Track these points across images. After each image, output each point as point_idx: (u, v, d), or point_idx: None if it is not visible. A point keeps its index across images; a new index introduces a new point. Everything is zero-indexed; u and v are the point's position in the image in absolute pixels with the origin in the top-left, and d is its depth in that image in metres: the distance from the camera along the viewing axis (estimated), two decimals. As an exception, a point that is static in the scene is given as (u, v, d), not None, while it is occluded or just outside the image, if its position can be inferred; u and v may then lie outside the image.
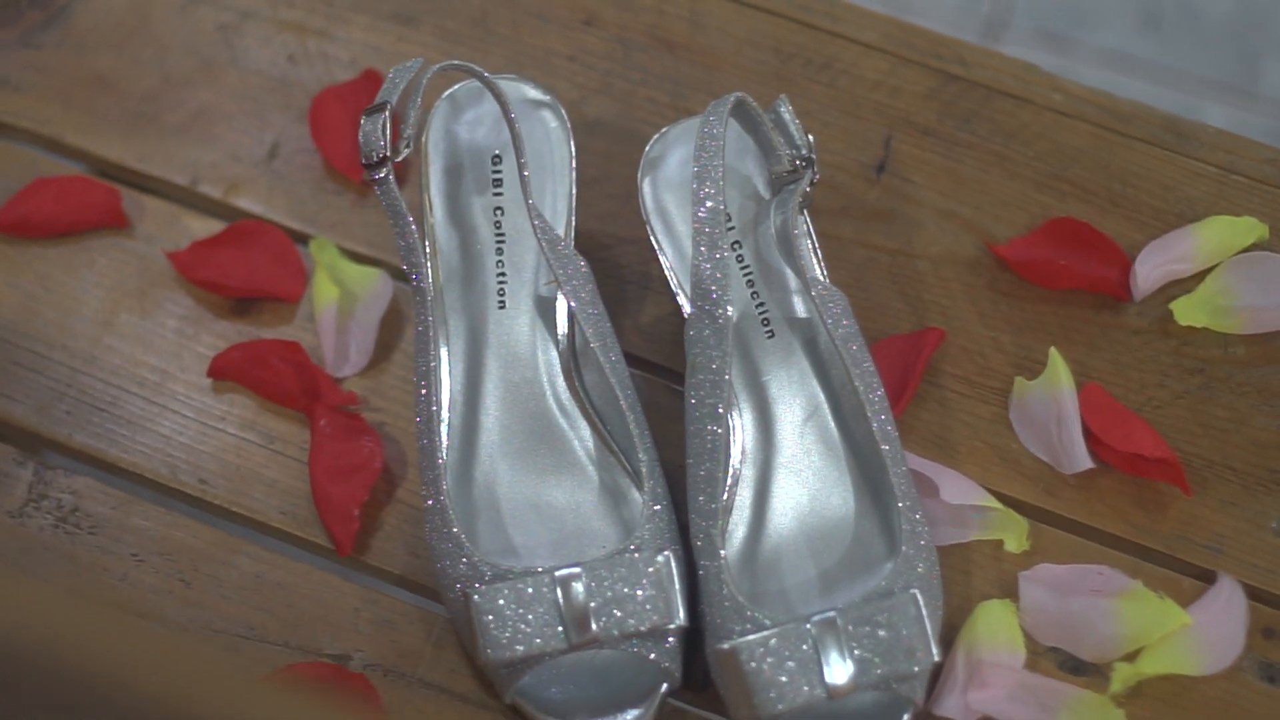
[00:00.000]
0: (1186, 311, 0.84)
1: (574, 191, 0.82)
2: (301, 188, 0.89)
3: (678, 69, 0.91)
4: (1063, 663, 0.77)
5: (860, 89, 0.90)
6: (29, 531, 0.80)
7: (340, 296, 0.84)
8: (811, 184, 0.80)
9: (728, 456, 0.77)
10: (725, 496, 0.77)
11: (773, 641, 0.72)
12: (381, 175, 0.77)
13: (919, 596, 0.73)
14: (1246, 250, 0.85)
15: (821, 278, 0.80)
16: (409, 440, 0.82)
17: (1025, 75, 0.90)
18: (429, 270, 0.78)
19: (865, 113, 0.90)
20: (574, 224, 0.82)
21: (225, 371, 0.84)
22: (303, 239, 0.87)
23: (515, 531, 0.78)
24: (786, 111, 0.80)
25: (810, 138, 0.80)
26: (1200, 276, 0.85)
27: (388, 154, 0.76)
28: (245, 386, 0.84)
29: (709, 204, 0.75)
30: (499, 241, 0.82)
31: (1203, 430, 0.82)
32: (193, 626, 0.78)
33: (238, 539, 0.80)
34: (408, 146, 0.77)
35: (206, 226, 0.88)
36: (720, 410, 0.75)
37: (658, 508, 0.76)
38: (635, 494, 0.78)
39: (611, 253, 0.86)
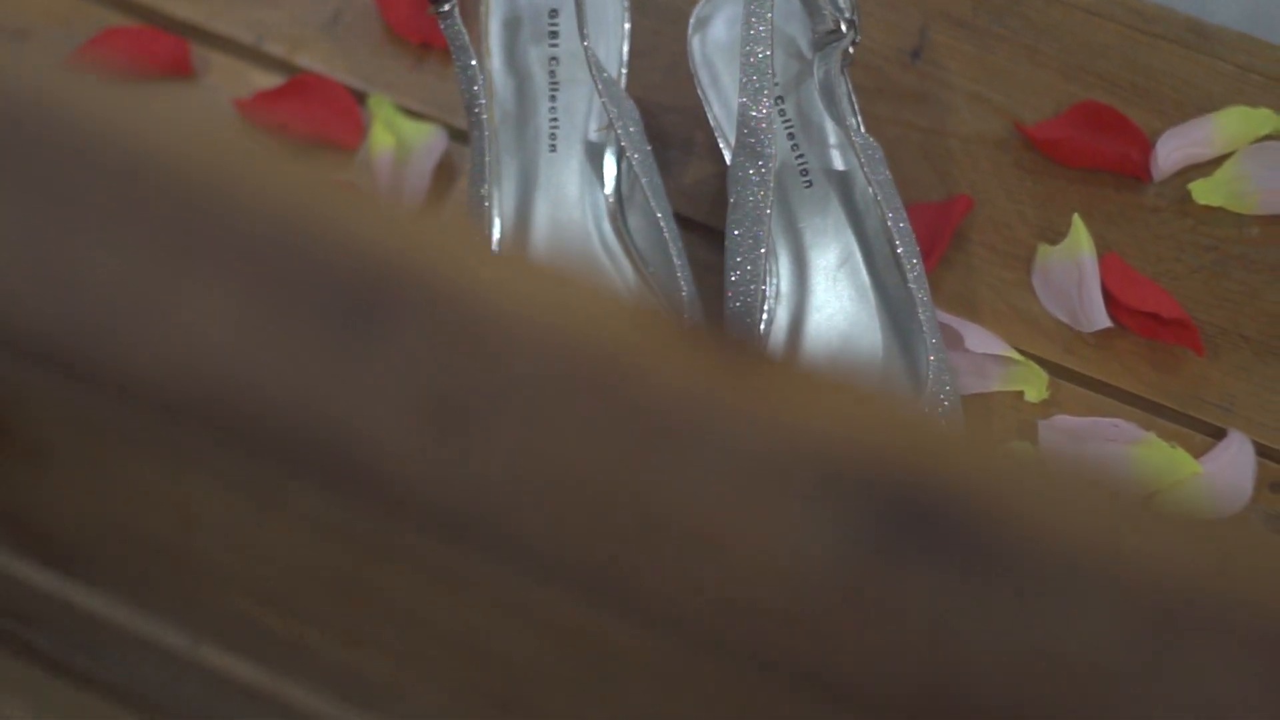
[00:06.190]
0: (1205, 192, 0.88)
1: (625, 48, 0.86)
2: (361, 51, 0.93)
3: (724, -44, 0.95)
4: (1077, 506, 0.81)
5: (898, -17, 0.94)
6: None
7: (396, 146, 0.88)
8: (854, 44, 0.84)
9: (765, 287, 0.81)
10: (761, 331, 0.80)
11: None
12: (446, 9, 0.80)
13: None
14: (1262, 140, 0.89)
15: (860, 130, 0.84)
16: (457, 282, 0.86)
17: (1056, -24, 0.95)
18: (487, 107, 0.82)
19: (902, 4, 0.94)
20: (625, 76, 0.86)
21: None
22: (361, 98, 0.91)
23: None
24: (832, -25, 0.84)
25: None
26: (1217, 162, 0.89)
27: (454, -12, 0.80)
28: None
29: (758, 53, 0.79)
30: (553, 89, 0.86)
31: (1216, 301, 0.86)
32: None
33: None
34: (474, -18, 0.81)
35: (270, 81, 0.92)
36: (760, 241, 0.79)
37: (697, 337, 0.79)
38: (673, 332, 0.81)
39: (657, 120, 0.90)
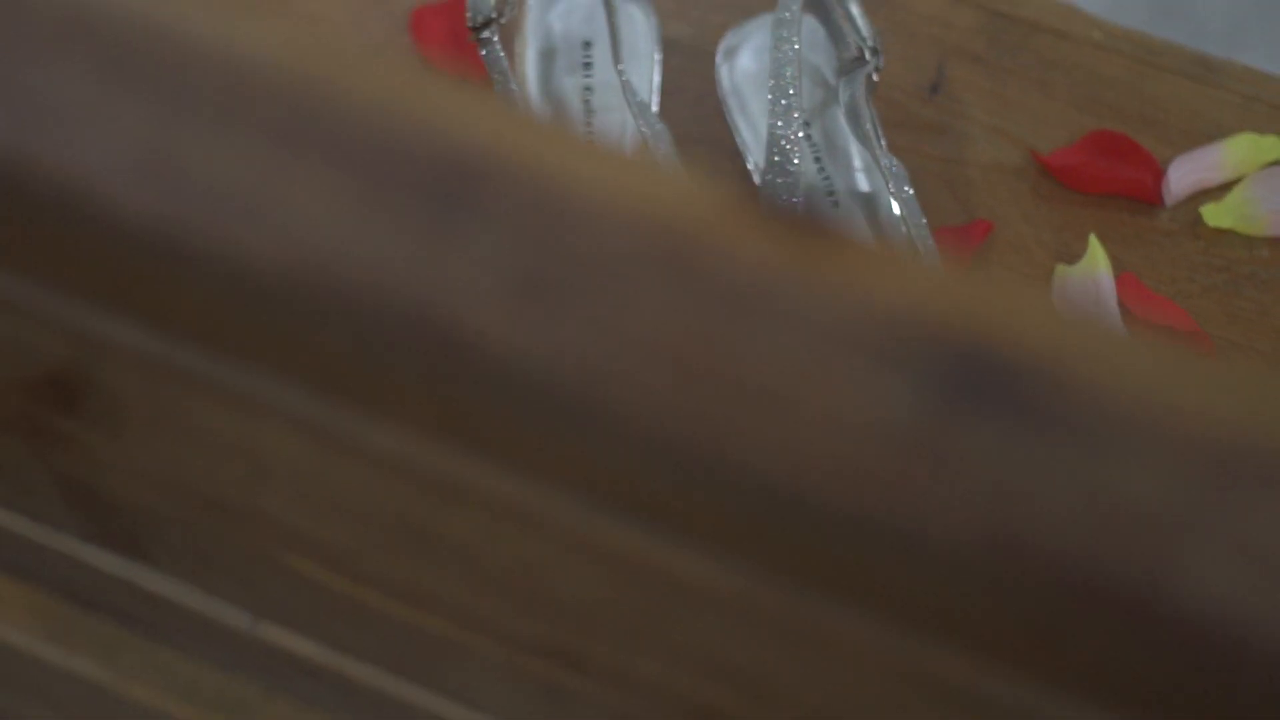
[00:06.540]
0: (1215, 215, 0.91)
1: (657, 77, 0.90)
2: (398, 88, 0.96)
3: (748, 1, 0.99)
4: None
5: (915, 22, 0.98)
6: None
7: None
8: (877, 70, 0.87)
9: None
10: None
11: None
12: (487, 35, 0.84)
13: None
14: (1270, 165, 0.93)
15: (884, 150, 0.87)
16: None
17: (1066, 15, 0.98)
18: (524, 130, 0.85)
19: (920, 42, 0.97)
20: (657, 103, 0.89)
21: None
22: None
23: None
24: (855, 5, 0.88)
25: (876, 30, 0.87)
26: (1227, 187, 0.92)
27: (493, 16, 0.84)
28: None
29: (786, 73, 0.83)
30: (587, 117, 0.89)
31: (1229, 319, 0.89)
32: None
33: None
34: (511, 10, 0.84)
35: (309, 116, 0.95)
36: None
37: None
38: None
39: (685, 151, 0.93)
